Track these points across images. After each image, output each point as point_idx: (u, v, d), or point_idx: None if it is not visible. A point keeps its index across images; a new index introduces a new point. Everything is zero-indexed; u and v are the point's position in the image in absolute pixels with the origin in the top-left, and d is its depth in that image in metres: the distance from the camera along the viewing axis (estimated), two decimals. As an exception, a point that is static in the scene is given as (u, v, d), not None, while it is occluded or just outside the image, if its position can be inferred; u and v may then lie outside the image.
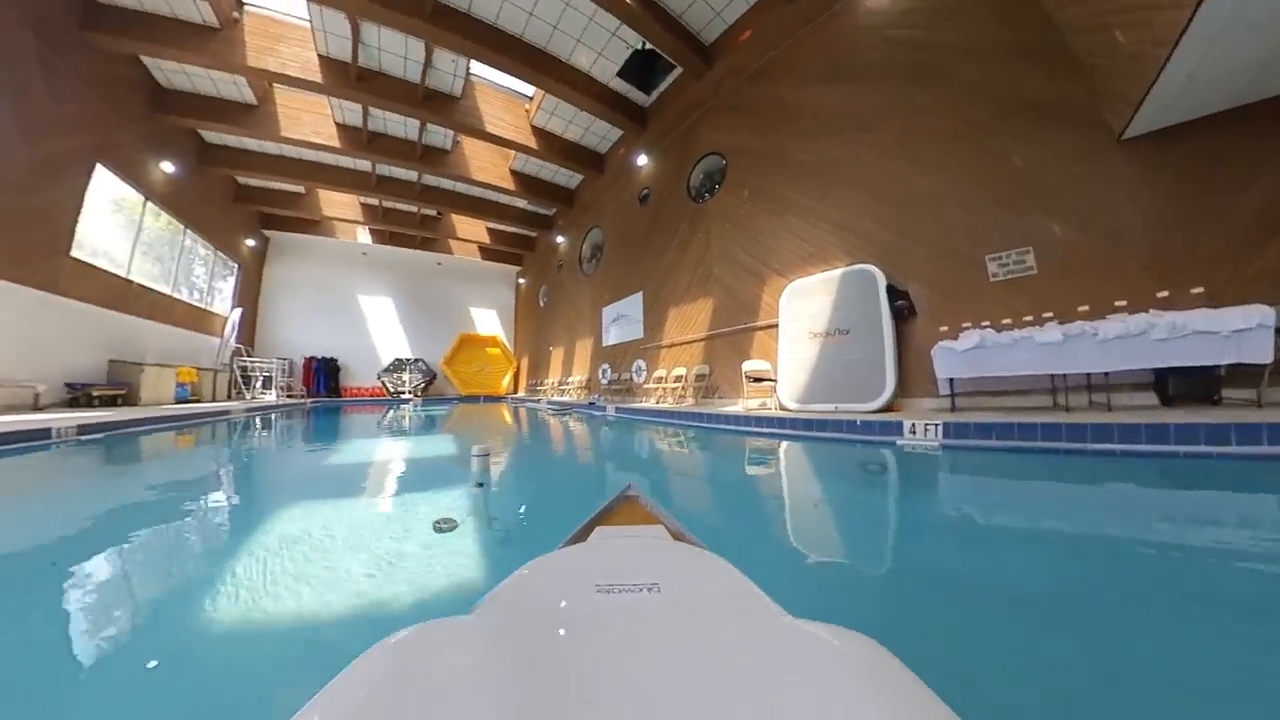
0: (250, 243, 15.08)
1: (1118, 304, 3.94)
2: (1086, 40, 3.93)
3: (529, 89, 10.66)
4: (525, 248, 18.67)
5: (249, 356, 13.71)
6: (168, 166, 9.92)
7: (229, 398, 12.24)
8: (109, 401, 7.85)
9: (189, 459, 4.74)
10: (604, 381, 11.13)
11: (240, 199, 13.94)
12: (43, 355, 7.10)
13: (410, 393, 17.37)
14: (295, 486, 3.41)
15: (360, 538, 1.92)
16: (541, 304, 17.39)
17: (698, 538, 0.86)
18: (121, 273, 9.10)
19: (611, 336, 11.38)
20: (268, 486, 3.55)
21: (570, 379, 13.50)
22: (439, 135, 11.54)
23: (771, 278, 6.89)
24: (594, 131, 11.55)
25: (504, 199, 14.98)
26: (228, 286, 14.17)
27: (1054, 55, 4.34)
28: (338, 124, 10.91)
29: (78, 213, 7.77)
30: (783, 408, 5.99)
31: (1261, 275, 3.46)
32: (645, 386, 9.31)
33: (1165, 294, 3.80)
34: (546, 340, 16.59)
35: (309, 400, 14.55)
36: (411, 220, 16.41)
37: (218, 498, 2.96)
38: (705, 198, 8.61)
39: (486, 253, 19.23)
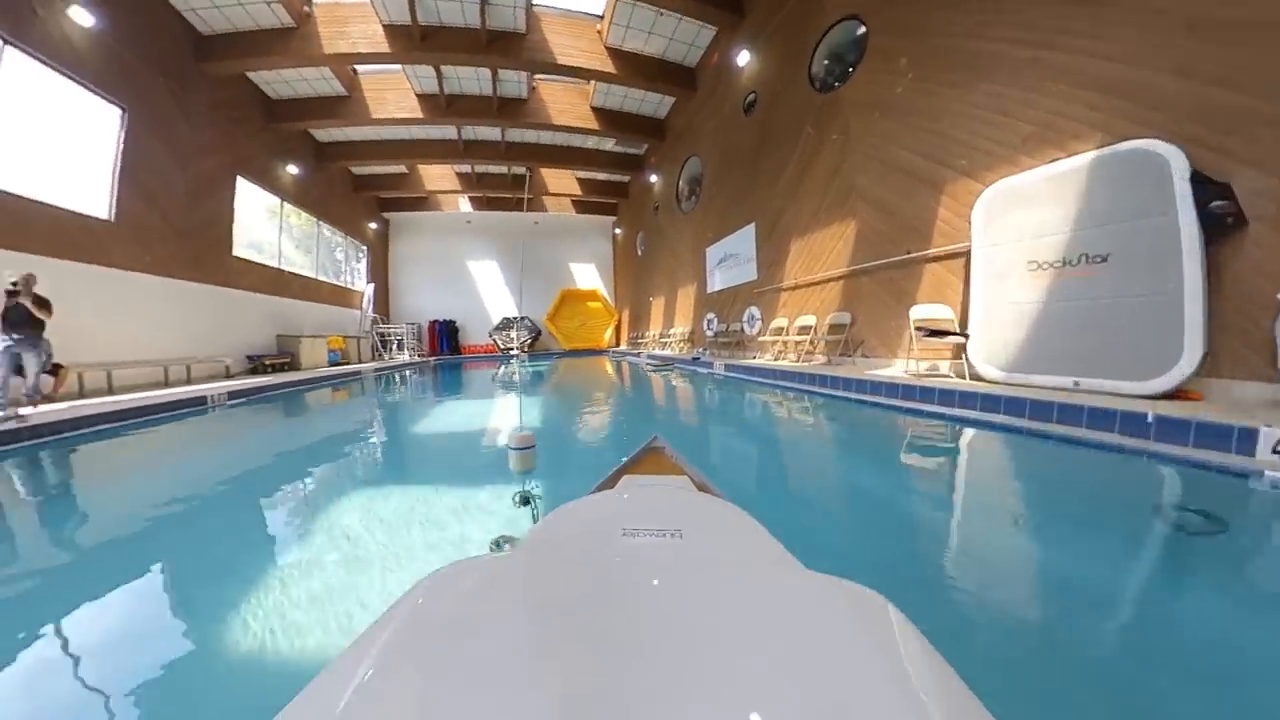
0: (373, 226, 16.55)
1: None
2: None
3: (598, 4, 9.01)
4: (618, 195, 17.70)
5: (384, 324, 15.62)
6: (292, 169, 10.80)
7: (371, 359, 14.14)
8: (279, 368, 9.33)
9: (328, 413, 5.82)
10: (709, 333, 10.07)
11: (358, 188, 15.10)
12: (227, 335, 8.65)
13: (517, 349, 18.34)
14: (388, 450, 3.78)
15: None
16: (639, 252, 16.58)
17: (721, 489, 0.88)
18: (275, 264, 10.56)
19: (717, 281, 10.06)
20: (371, 439, 4.19)
21: (672, 331, 12.68)
22: (513, 84, 10.67)
23: (954, 181, 4.89)
24: (679, 39, 9.57)
25: (590, 143, 13.98)
26: (361, 266, 15.96)
27: None
28: (417, 94, 10.73)
29: (232, 220, 8.95)
30: (975, 376, 4.39)
31: None
32: (760, 339, 8.06)
33: None
34: (646, 290, 15.89)
35: (433, 359, 16.33)
36: (503, 182, 16.43)
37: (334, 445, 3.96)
38: (835, 85, 6.47)
39: (580, 205, 18.74)
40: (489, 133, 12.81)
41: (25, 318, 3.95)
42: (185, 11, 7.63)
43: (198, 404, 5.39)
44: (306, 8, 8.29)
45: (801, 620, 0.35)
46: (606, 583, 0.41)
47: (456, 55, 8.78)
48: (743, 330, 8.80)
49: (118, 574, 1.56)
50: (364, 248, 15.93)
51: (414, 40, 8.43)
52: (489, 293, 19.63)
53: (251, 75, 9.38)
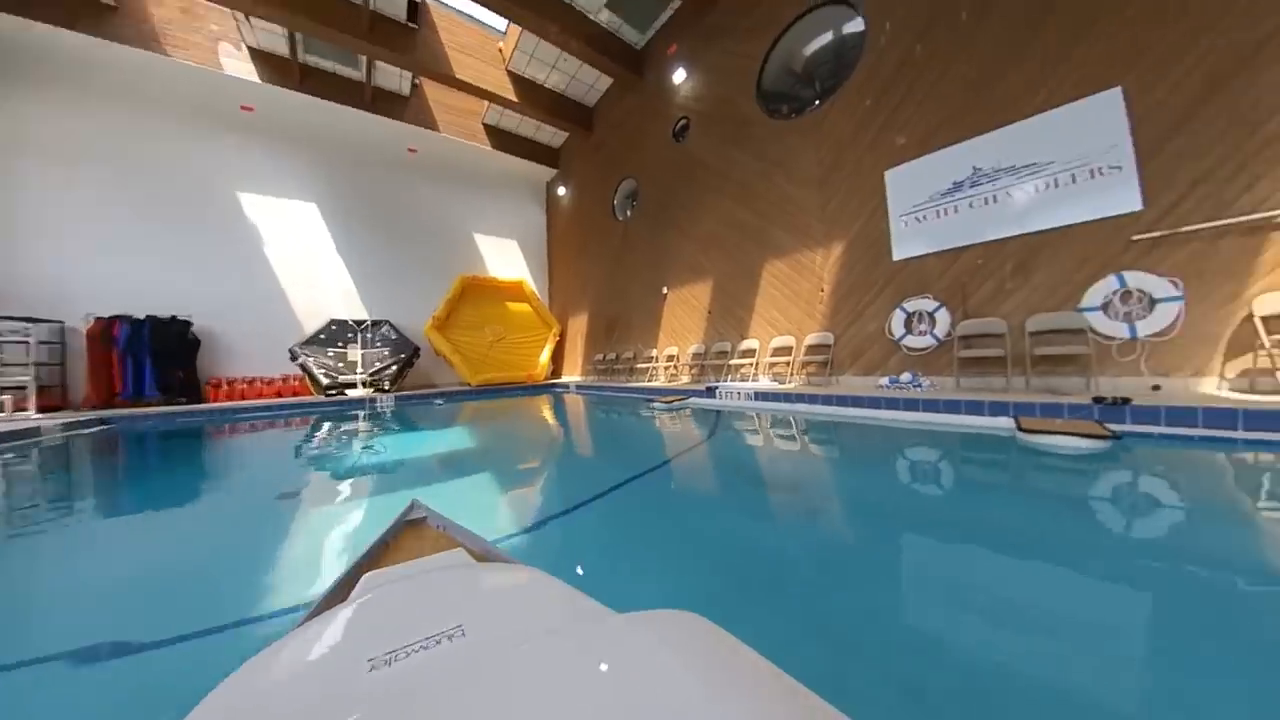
0: None
1: None
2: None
3: None
4: (577, 122, 10.96)
5: None
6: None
7: None
8: None
9: None
10: (916, 339, 5.11)
11: None
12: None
13: (370, 384, 8.91)
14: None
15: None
16: (620, 218, 10.45)
17: (509, 552, 0.71)
18: None
19: (926, 238, 5.09)
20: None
21: (744, 344, 6.95)
22: None
23: None
24: None
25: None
26: None
27: None
28: None
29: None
30: None
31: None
32: (1161, 339, 3.77)
33: None
34: (636, 279, 9.67)
35: (94, 415, 6.18)
36: (355, 22, 7.36)
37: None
38: None
39: (501, 138, 11.50)
40: None
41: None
42: None
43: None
44: None
45: (627, 661, 0.34)
46: None
47: None
48: (1090, 329, 4.22)
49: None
50: None
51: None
52: (295, 269, 9.59)
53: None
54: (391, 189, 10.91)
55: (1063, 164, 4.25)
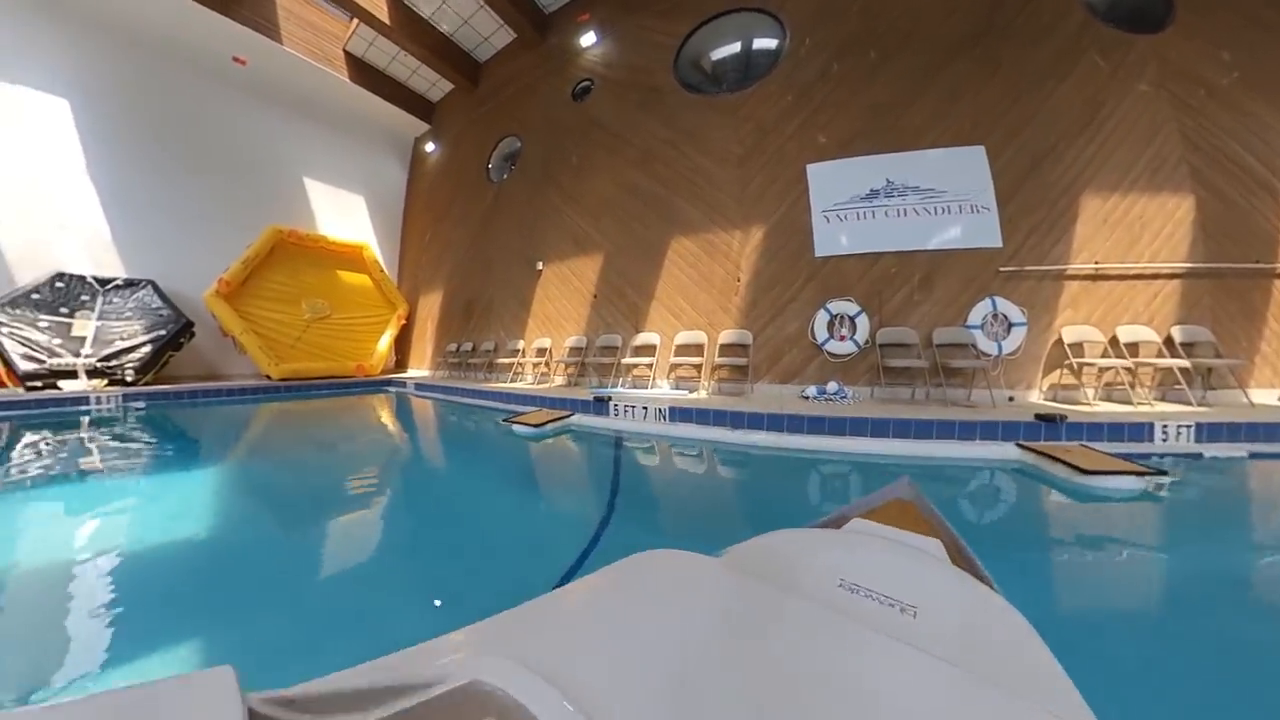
0: None
1: None
2: None
3: None
4: (464, 74, 8.99)
5: None
6: None
7: None
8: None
9: None
10: (837, 345, 4.62)
11: None
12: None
13: (103, 373, 5.37)
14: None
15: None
16: (497, 180, 8.45)
17: (989, 572, 0.67)
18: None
19: (843, 238, 4.91)
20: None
21: (638, 339, 5.19)
22: None
23: (1291, 200, 4.72)
24: None
25: None
26: None
27: None
28: None
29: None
30: None
31: None
32: (1009, 358, 4.44)
33: None
34: (510, 247, 7.57)
35: None
36: None
37: None
38: (1122, 26, 4.99)
39: (366, 75, 8.93)
40: None
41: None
42: None
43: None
44: None
45: None
46: (806, 629, 0.36)
47: None
48: (974, 345, 4.54)
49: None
50: None
51: None
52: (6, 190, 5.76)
53: None
54: (197, 103, 7.86)
55: (953, 195, 4.74)
